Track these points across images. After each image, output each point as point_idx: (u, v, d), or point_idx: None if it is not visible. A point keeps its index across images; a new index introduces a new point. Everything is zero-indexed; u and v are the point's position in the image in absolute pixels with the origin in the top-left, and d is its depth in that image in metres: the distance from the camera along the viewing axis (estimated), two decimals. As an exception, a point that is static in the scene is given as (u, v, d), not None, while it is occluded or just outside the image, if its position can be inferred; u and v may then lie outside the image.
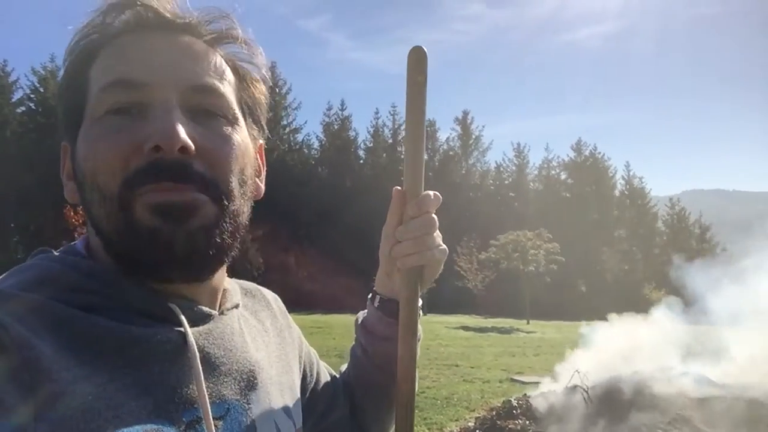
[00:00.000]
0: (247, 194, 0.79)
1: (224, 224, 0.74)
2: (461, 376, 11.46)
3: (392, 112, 61.59)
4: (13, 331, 0.59)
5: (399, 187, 0.91)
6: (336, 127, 60.93)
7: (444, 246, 0.93)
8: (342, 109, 61.55)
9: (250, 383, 0.80)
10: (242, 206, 0.78)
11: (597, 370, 7.48)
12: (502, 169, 65.09)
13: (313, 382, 1.08)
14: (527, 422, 6.36)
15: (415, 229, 0.89)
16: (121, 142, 0.69)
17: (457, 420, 7.74)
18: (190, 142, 0.69)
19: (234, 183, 0.75)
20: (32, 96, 48.85)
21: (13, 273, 0.71)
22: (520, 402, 7.08)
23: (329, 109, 62.04)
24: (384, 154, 59.08)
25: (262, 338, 0.92)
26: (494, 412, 7.08)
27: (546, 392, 7.33)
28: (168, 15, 0.75)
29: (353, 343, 1.13)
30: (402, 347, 0.92)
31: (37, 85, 48.82)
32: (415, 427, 1.13)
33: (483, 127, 64.60)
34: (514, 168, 64.65)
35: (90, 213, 0.73)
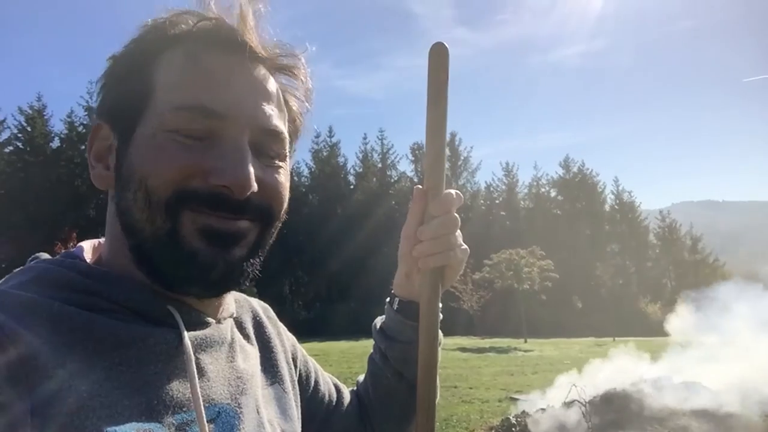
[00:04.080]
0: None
1: (260, 252, 0.79)
2: (460, 397, 11.40)
3: (380, 137, 61.81)
4: (8, 329, 0.60)
5: (420, 186, 0.91)
6: (325, 153, 61.00)
7: (465, 246, 0.93)
8: (330, 136, 61.73)
9: (239, 389, 0.81)
10: (273, 237, 0.83)
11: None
12: (492, 188, 65.26)
13: (310, 390, 1.07)
14: (527, 439, 6.37)
15: (438, 228, 0.89)
16: (187, 160, 0.70)
17: (457, 441, 7.72)
18: (256, 186, 0.73)
19: (282, 214, 0.81)
20: (20, 135, 48.69)
21: (12, 276, 0.73)
22: (519, 419, 7.08)
23: (317, 136, 61.85)
24: (374, 179, 59.17)
25: (249, 349, 0.92)
26: (493, 431, 7.07)
27: (544, 408, 7.34)
28: (244, 39, 0.75)
29: (371, 351, 1.11)
30: (422, 349, 0.91)
31: (25, 125, 48.71)
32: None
33: (471, 147, 65.14)
34: (504, 187, 64.75)
35: (125, 212, 0.73)
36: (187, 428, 0.68)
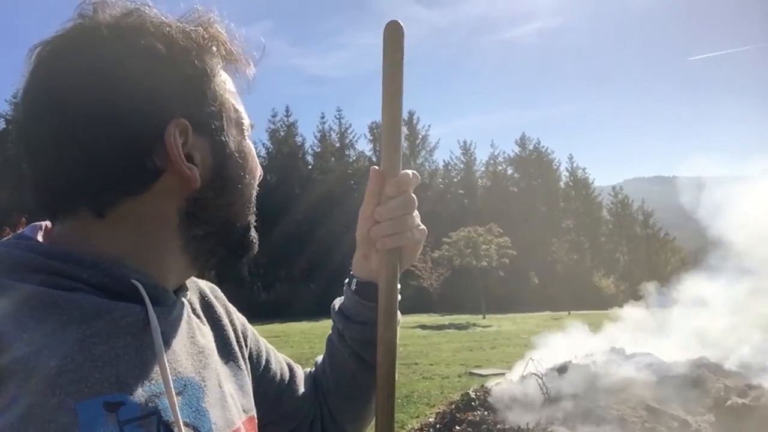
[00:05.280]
0: None
1: None
2: (420, 374, 11.54)
3: (338, 116, 61.58)
4: None
5: (377, 167, 0.92)
6: (282, 133, 60.43)
7: (423, 226, 0.94)
8: (287, 116, 61.10)
9: (202, 363, 0.81)
10: None
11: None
12: (450, 167, 65.90)
13: (261, 368, 1.05)
14: (485, 413, 6.48)
15: (395, 209, 0.90)
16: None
17: (417, 417, 7.83)
18: None
19: None
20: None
21: None
22: (478, 394, 7.20)
23: (274, 116, 61.36)
24: (332, 159, 58.89)
25: (203, 327, 0.91)
26: (453, 406, 7.17)
27: (502, 382, 7.48)
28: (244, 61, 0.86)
29: (329, 332, 1.11)
30: (382, 330, 0.92)
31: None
32: (372, 429, 1.14)
33: (429, 126, 65.78)
34: (462, 166, 65.47)
35: (225, 207, 0.81)
36: (156, 400, 0.68)
